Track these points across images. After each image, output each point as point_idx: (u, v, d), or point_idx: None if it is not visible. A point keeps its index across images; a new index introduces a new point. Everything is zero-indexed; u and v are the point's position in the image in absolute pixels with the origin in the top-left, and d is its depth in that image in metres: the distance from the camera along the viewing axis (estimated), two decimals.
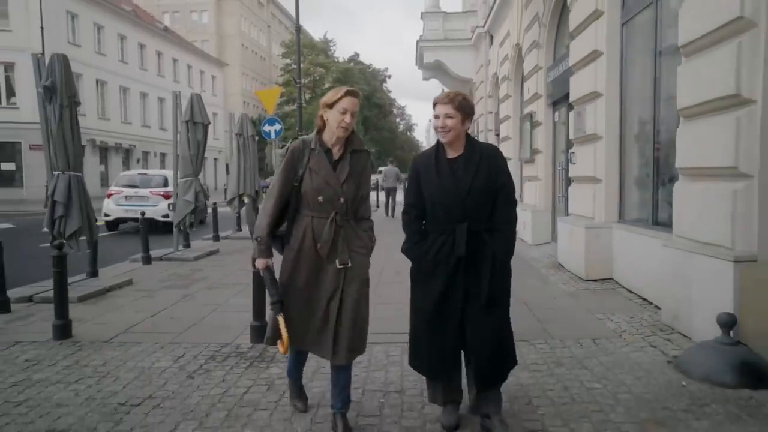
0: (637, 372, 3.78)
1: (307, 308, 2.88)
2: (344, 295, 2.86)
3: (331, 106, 2.83)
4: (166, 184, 13.49)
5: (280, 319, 2.85)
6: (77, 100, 6.49)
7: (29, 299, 6.09)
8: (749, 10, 3.66)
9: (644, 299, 5.68)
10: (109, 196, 13.86)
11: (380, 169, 21.52)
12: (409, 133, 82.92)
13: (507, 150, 12.21)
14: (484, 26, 16.11)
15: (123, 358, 4.24)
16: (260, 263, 2.92)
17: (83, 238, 6.60)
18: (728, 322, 3.65)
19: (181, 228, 9.60)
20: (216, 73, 52.59)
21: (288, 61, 55.75)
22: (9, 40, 27.77)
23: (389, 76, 67.23)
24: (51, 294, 5.84)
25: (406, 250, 3.03)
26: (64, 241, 6.04)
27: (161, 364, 4.10)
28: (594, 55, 6.76)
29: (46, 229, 6.45)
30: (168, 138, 40.00)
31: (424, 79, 20.54)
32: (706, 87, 4.11)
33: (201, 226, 11.33)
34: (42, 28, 23.96)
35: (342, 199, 2.85)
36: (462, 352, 2.97)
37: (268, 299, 3.14)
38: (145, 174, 15.49)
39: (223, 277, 7.55)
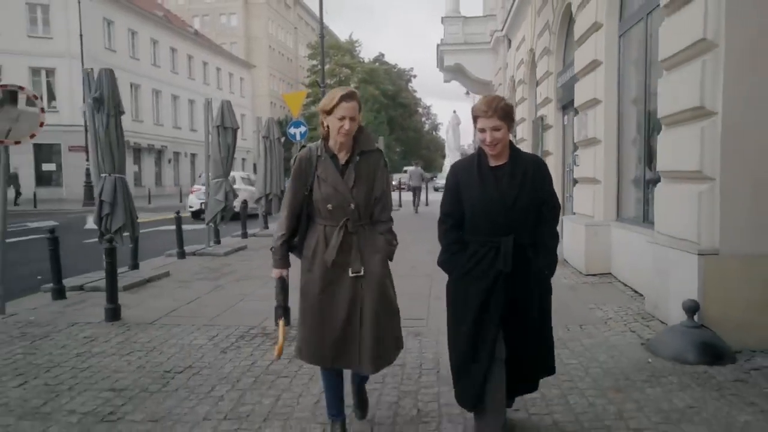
0: (611, 352, 4.30)
1: (326, 321, 2.79)
2: (363, 305, 2.77)
3: (329, 112, 2.72)
4: (234, 182, 15.46)
5: (281, 323, 2.91)
6: (122, 110, 7.22)
7: (80, 288, 6.83)
8: (711, 32, 4.14)
9: (636, 292, 6.15)
10: (192, 192, 18.02)
11: (405, 168, 22.21)
12: (434, 133, 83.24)
13: None
14: (502, 30, 16.56)
15: (165, 337, 4.91)
16: (274, 273, 2.94)
17: (126, 234, 7.33)
18: (692, 308, 4.14)
19: (213, 225, 10.34)
20: (244, 75, 53.84)
21: (314, 62, 56.71)
22: (50, 47, 29.25)
23: (414, 76, 67.90)
24: (99, 283, 6.63)
25: (443, 262, 2.86)
26: (113, 236, 6.75)
27: (198, 342, 4.75)
28: (594, 65, 7.24)
29: (88, 227, 7.19)
30: (197, 139, 41.32)
31: (445, 81, 21.05)
32: (678, 98, 4.60)
33: (230, 223, 12.05)
34: (81, 35, 25.12)
35: (353, 205, 2.76)
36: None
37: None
38: None
39: (250, 271, 8.22)
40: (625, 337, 4.66)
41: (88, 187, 24.93)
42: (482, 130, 2.68)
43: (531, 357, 2.79)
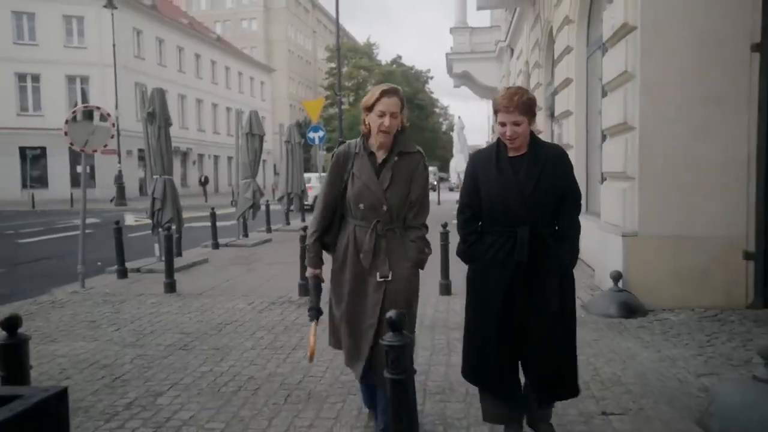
0: None
1: (351, 321, 2.79)
2: (383, 315, 2.60)
3: (369, 109, 2.70)
4: None
5: (312, 326, 2.91)
6: (170, 122, 8.67)
7: (138, 270, 8.28)
8: (630, 66, 5.42)
9: (594, 270, 7.41)
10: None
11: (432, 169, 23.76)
12: (451, 133, 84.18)
13: None
14: (505, 40, 17.80)
15: (213, 303, 6.31)
16: (309, 272, 2.91)
17: (174, 226, 8.77)
18: (616, 277, 5.43)
19: (242, 220, 11.80)
20: (264, 78, 55.56)
21: (332, 64, 58.05)
22: (84, 56, 31.21)
23: (431, 77, 68.98)
24: (153, 267, 8.08)
25: (462, 253, 2.84)
26: (170, 226, 8.17)
27: (239, 306, 6.14)
28: (567, 81, 8.51)
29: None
30: (220, 142, 43.11)
31: (455, 86, 22.34)
32: (612, 115, 5.88)
33: (256, 218, 13.49)
34: (114, 45, 26.89)
35: (385, 207, 2.68)
36: (520, 365, 2.82)
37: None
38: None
39: (276, 258, 9.63)
40: None
41: (120, 187, 26.70)
42: (502, 124, 2.63)
43: (551, 354, 2.68)
